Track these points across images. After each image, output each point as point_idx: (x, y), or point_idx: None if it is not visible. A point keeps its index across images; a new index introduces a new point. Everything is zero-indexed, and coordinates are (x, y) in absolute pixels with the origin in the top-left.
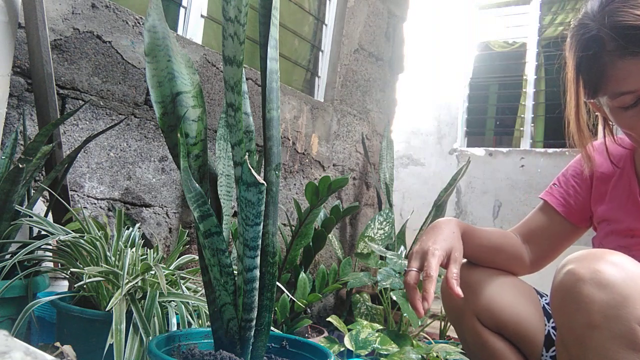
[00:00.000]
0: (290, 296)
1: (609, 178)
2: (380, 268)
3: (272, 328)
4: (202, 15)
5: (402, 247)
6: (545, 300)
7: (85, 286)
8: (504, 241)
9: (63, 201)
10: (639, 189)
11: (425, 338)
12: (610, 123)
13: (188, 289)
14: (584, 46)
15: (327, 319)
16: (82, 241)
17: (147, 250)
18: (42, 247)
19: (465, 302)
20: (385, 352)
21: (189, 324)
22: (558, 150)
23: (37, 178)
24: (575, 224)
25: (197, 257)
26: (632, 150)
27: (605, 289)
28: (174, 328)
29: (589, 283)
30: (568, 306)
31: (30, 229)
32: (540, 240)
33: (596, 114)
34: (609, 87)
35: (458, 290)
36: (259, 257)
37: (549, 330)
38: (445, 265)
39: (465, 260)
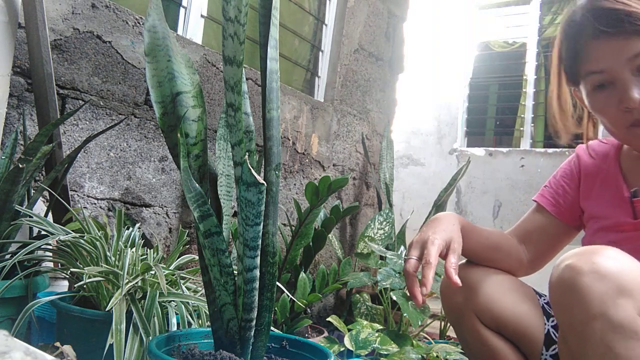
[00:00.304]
0: (290, 296)
1: (595, 176)
2: (380, 268)
3: (272, 328)
4: (202, 15)
5: (402, 247)
6: (544, 300)
7: (85, 286)
8: (501, 240)
9: (63, 201)
10: (625, 184)
11: (425, 338)
12: (595, 119)
13: (188, 289)
14: (566, 30)
15: (327, 319)
16: (82, 241)
17: (147, 250)
18: (42, 247)
19: (465, 301)
20: (385, 352)
21: (189, 324)
22: (558, 150)
23: (37, 178)
24: (566, 223)
25: (197, 257)
26: (617, 147)
27: (604, 280)
28: (174, 328)
29: (587, 275)
30: (568, 299)
31: (30, 229)
32: (535, 240)
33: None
34: (582, 68)
35: (456, 279)
36: (259, 257)
37: (548, 330)
38: (444, 255)
39: (464, 260)
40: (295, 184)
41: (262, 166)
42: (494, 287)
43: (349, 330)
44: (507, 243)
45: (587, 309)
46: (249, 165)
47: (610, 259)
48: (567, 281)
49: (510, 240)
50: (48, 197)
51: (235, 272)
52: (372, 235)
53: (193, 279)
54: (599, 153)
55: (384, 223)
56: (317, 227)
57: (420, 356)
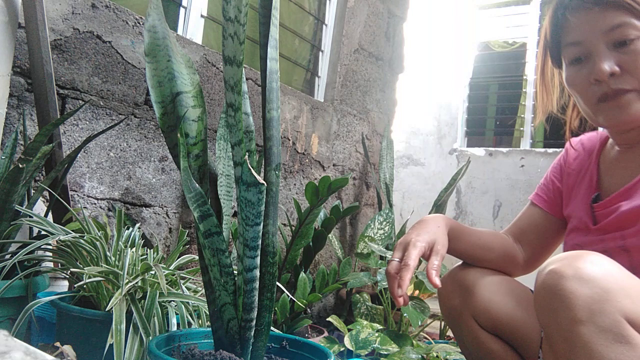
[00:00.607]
0: (290, 296)
1: (577, 173)
2: (380, 268)
3: (272, 328)
4: (202, 15)
5: None
6: None
7: (85, 286)
8: (494, 240)
9: (63, 201)
10: (596, 186)
11: (425, 338)
12: (579, 109)
13: (188, 289)
14: (553, 6)
15: (327, 319)
16: (82, 241)
17: (147, 250)
18: (42, 247)
19: (462, 303)
20: (385, 352)
21: (189, 324)
22: (558, 150)
23: (37, 178)
24: (559, 217)
25: (197, 257)
26: (602, 143)
27: (588, 284)
28: (174, 328)
29: (572, 279)
30: (552, 303)
31: (30, 229)
32: (530, 238)
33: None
34: (562, 41)
35: (436, 281)
36: (259, 257)
37: None
38: (427, 257)
39: (460, 262)
40: (295, 184)
41: (262, 166)
42: (490, 289)
43: (349, 330)
44: (501, 243)
45: (573, 314)
46: (249, 165)
47: (594, 264)
48: (552, 286)
49: (505, 239)
50: (48, 197)
51: (235, 272)
52: (372, 235)
53: (193, 279)
54: (586, 149)
55: (384, 223)
56: (317, 227)
57: (420, 356)
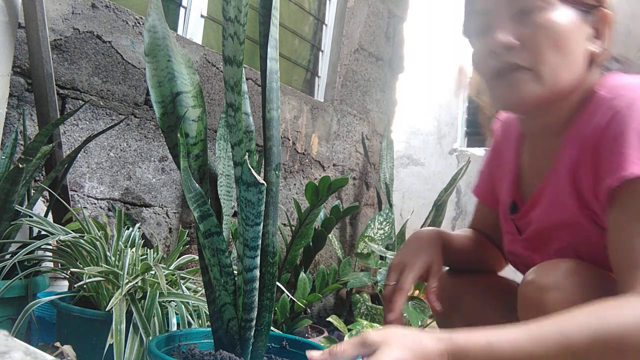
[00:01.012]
0: (290, 296)
1: (502, 164)
2: (380, 268)
3: (272, 328)
4: (202, 15)
5: None
6: None
7: (85, 286)
8: (476, 244)
9: (63, 201)
10: (515, 186)
11: None
12: None
13: (188, 289)
14: None
15: (327, 319)
16: (82, 241)
17: (147, 250)
18: (42, 247)
19: (452, 311)
20: None
21: (189, 324)
22: None
23: (37, 178)
24: (495, 209)
25: (197, 257)
26: (522, 135)
27: (569, 294)
28: (174, 328)
29: (552, 291)
30: (537, 317)
31: (30, 229)
32: (487, 231)
33: None
34: (470, 10)
35: (436, 305)
36: (259, 257)
37: None
38: (426, 278)
39: (447, 268)
40: (295, 184)
41: (262, 166)
42: (480, 296)
43: (349, 330)
44: (481, 242)
45: None
46: (249, 165)
47: (572, 273)
48: (533, 299)
49: (482, 237)
50: (48, 197)
51: (235, 272)
52: (372, 235)
53: (193, 279)
54: (511, 132)
55: (384, 223)
56: (317, 227)
57: None
